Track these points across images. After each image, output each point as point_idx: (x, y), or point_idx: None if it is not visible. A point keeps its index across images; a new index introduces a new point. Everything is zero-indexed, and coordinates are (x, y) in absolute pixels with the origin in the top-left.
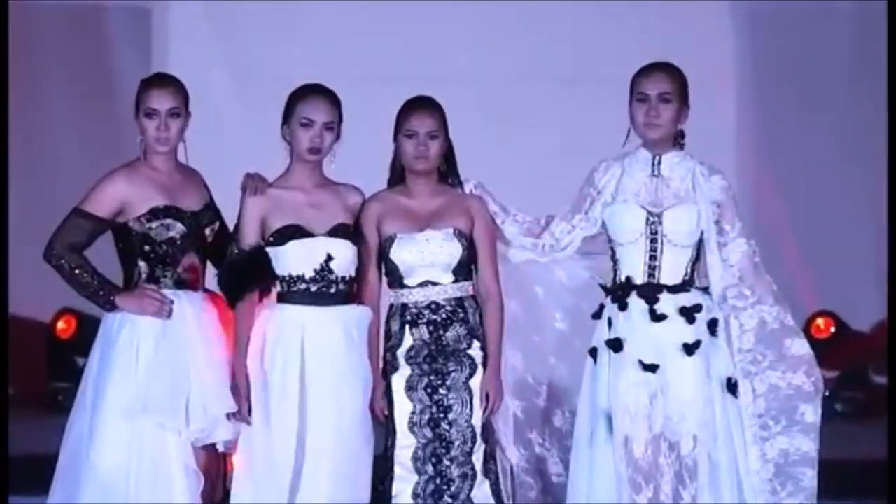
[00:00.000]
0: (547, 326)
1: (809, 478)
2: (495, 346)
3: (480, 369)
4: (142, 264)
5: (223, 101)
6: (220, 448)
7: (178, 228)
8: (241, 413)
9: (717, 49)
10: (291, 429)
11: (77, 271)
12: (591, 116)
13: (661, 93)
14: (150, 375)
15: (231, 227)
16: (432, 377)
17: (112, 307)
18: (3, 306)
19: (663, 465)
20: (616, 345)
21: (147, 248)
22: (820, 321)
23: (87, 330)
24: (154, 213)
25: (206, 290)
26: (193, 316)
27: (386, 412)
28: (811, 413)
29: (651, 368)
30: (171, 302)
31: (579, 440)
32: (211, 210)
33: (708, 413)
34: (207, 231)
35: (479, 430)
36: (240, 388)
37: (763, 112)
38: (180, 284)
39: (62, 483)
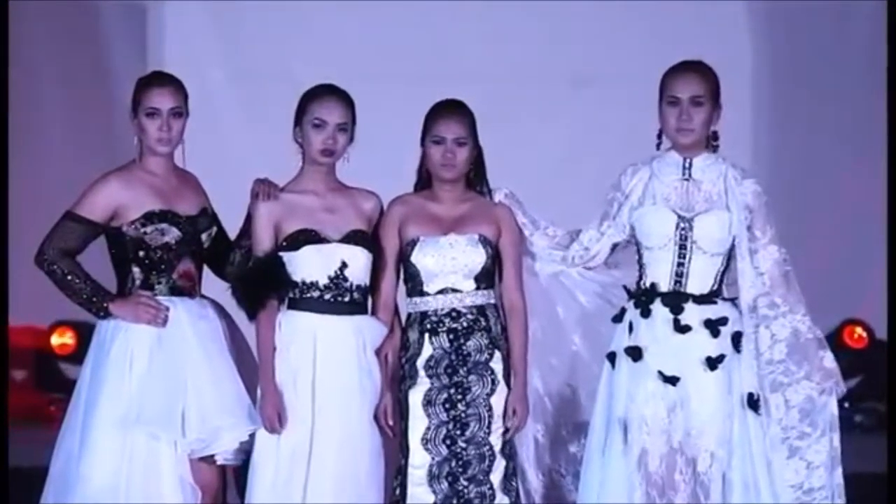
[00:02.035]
0: (565, 350)
1: (839, 474)
2: (521, 361)
3: (502, 384)
4: (136, 270)
5: (220, 100)
6: (219, 461)
7: (173, 234)
8: (272, 425)
9: (734, 49)
10: (303, 438)
11: (69, 277)
12: (604, 116)
13: (693, 96)
14: (144, 385)
15: (229, 231)
16: (452, 391)
17: (106, 314)
18: (3, 318)
19: (678, 482)
20: (635, 353)
21: (141, 253)
22: (858, 330)
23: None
24: (149, 218)
25: (203, 297)
26: (190, 324)
27: (392, 424)
28: (835, 407)
29: (671, 381)
30: (167, 309)
31: (592, 446)
32: (208, 214)
33: (727, 430)
34: (204, 236)
35: (497, 448)
36: (268, 400)
37: (780, 112)
38: (176, 291)
39: (52, 499)
